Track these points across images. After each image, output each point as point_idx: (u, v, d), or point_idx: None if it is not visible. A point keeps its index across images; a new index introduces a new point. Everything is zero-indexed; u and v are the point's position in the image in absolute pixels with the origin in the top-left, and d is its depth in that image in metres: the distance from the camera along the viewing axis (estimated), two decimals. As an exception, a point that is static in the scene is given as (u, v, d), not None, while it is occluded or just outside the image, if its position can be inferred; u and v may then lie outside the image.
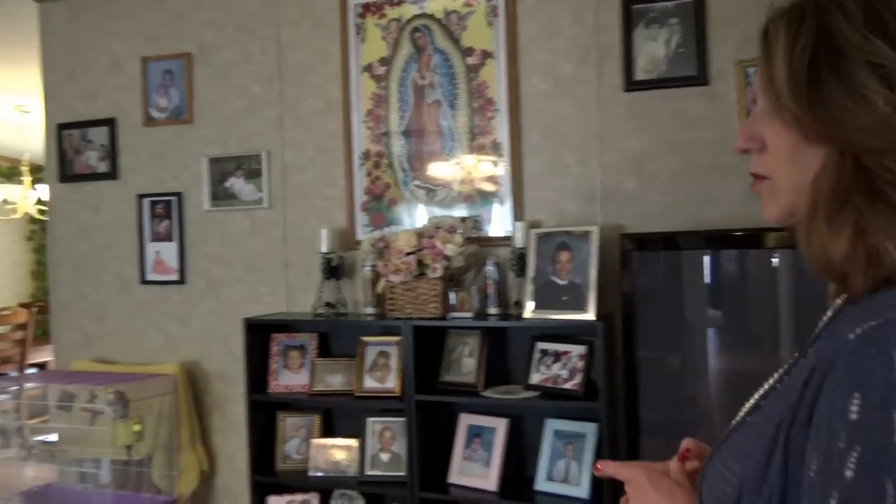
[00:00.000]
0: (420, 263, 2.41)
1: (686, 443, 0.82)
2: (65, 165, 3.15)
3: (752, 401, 0.71)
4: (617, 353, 2.27)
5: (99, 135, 3.08)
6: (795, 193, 0.67)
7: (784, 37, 0.65)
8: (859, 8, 0.62)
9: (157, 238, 3.00)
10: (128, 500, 2.70)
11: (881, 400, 0.54)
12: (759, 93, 0.71)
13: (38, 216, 5.69)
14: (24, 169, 5.59)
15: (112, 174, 3.07)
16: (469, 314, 2.41)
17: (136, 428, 2.61)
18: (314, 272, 2.73)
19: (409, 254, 2.40)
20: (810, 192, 0.65)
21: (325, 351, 2.72)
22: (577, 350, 2.28)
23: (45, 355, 5.88)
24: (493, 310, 2.43)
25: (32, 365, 5.69)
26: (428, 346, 2.46)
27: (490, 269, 2.45)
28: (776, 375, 0.69)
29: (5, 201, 5.47)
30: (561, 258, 2.31)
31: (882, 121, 0.60)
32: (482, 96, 2.55)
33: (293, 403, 2.73)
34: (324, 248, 2.65)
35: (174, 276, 2.98)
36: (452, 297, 2.42)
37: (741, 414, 0.71)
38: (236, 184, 2.87)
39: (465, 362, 2.45)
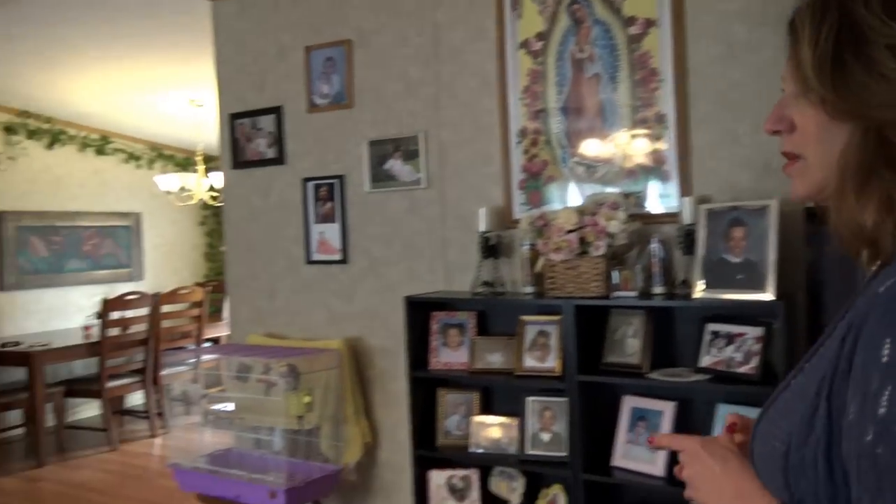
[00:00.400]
0: (582, 241, 2.36)
1: (731, 417, 0.88)
2: (237, 153, 3.36)
3: (798, 366, 0.77)
4: (799, 334, 2.11)
5: (267, 122, 3.26)
6: (824, 170, 0.74)
7: (809, 26, 0.72)
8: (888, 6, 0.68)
9: (322, 219, 3.13)
10: (299, 467, 2.86)
11: (891, 353, 0.60)
12: (786, 79, 0.77)
13: (210, 202, 6.14)
14: (199, 159, 6.03)
15: (279, 159, 3.23)
16: (633, 293, 2.33)
17: (307, 399, 2.75)
18: (472, 251, 2.74)
19: (570, 231, 2.36)
20: (838, 167, 0.72)
21: (483, 329, 2.74)
22: (754, 332, 2.15)
23: (217, 331, 6.36)
24: (658, 289, 2.33)
25: (207, 339, 6.17)
26: (589, 326, 2.41)
27: (655, 246, 2.35)
28: (819, 341, 0.75)
29: (182, 189, 5.94)
30: (734, 235, 2.18)
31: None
32: (645, 67, 2.45)
33: (452, 380, 2.77)
34: (482, 227, 2.66)
35: (337, 256, 3.10)
36: (615, 275, 2.35)
37: (788, 377, 0.77)
38: (395, 165, 2.94)
39: (629, 343, 2.37)
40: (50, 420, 5.48)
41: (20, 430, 5.63)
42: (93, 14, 4.07)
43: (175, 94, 5.54)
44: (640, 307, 2.36)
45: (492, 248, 2.66)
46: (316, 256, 3.16)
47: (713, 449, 0.82)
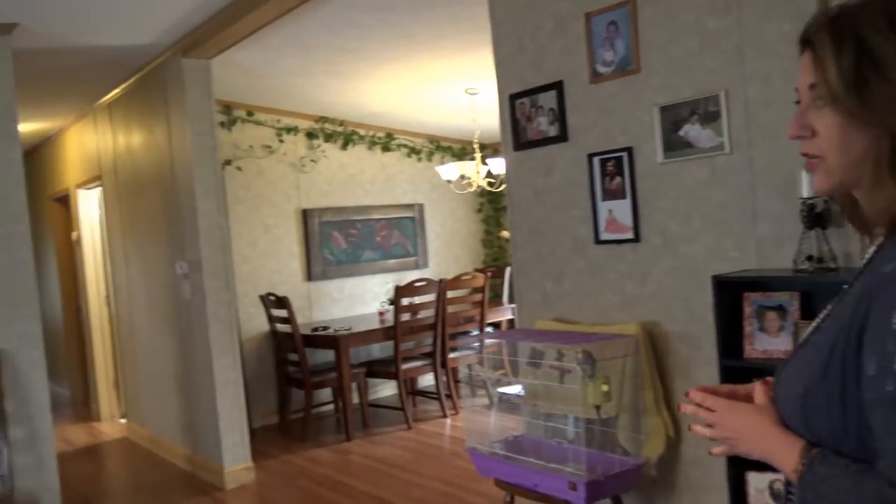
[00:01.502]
0: (949, 201, 1.88)
1: (768, 379, 1.07)
2: (518, 134, 3.28)
3: (813, 325, 1.01)
4: None
5: (547, 99, 3.13)
6: (844, 169, 0.90)
7: (830, 50, 0.87)
8: (884, 20, 0.84)
9: (609, 196, 2.94)
10: (597, 459, 2.71)
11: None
12: (803, 91, 0.94)
13: (487, 188, 6.25)
14: (475, 146, 6.17)
15: (562, 136, 3.09)
16: None
17: (605, 388, 2.59)
18: (790, 222, 2.36)
19: (931, 190, 1.89)
20: (871, 163, 0.88)
21: (808, 312, 2.35)
22: None
23: (498, 315, 6.47)
24: None
25: (489, 324, 6.29)
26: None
27: None
28: (832, 304, 0.98)
29: (462, 177, 6.11)
30: None
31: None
32: None
33: (771, 370, 2.41)
34: (804, 193, 2.27)
35: (628, 234, 2.88)
36: None
37: (805, 335, 1.01)
38: (691, 131, 2.64)
39: None
40: (354, 398, 5.98)
41: (330, 407, 6.23)
42: (375, 18, 4.29)
43: (451, 85, 5.70)
44: None
45: (818, 217, 2.26)
46: (605, 236, 2.97)
47: (738, 406, 1.01)
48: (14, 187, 3.73)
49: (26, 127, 6.59)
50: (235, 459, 4.73)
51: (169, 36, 4.40)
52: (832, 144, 0.90)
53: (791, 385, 0.95)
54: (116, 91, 5.52)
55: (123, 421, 6.55)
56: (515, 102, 3.27)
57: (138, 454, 5.80)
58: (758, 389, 1.04)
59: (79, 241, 6.95)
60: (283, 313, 5.61)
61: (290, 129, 6.42)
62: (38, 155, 7.84)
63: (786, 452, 0.93)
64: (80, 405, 7.43)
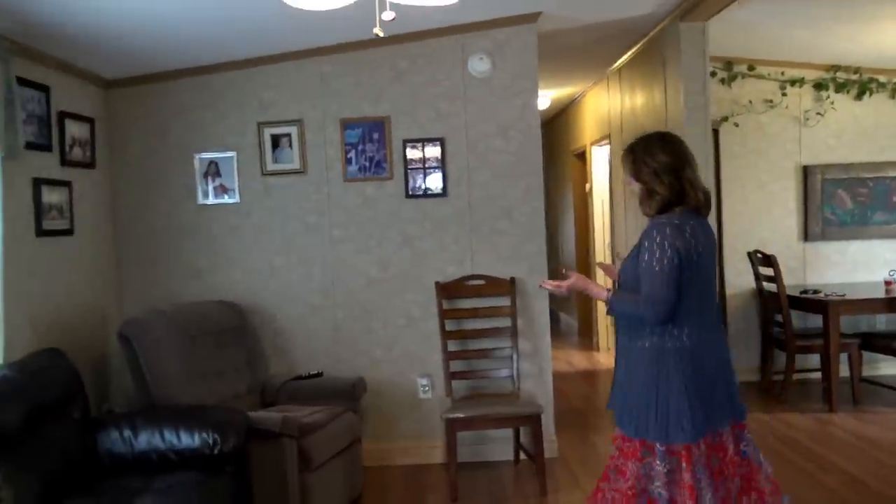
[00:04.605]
0: None
1: (601, 266, 3.05)
2: None
3: (631, 250, 2.64)
4: None
5: None
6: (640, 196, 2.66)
7: (624, 159, 2.66)
8: (645, 147, 2.59)
9: None
10: None
11: (648, 244, 2.49)
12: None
13: None
14: None
15: None
16: None
17: None
18: None
19: None
20: (641, 195, 2.62)
21: None
22: None
23: None
24: None
25: None
26: None
27: None
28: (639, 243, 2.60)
29: None
30: None
31: (649, 180, 2.56)
32: None
33: None
34: None
35: None
36: None
37: (627, 255, 2.68)
38: None
39: None
40: (843, 370, 5.58)
41: (816, 375, 5.93)
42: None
43: None
44: None
45: None
46: None
47: (580, 279, 2.74)
48: (533, 148, 4.55)
49: (556, 93, 7.70)
50: (705, 405, 4.95)
51: (669, 4, 4.69)
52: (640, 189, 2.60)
53: (623, 271, 2.62)
54: (625, 57, 6.07)
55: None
56: None
57: (624, 385, 6.44)
58: (579, 274, 2.75)
59: (590, 191, 7.88)
60: (769, 272, 5.53)
61: (795, 81, 6.13)
62: (563, 116, 9.04)
63: (603, 293, 2.65)
64: (583, 335, 8.52)
